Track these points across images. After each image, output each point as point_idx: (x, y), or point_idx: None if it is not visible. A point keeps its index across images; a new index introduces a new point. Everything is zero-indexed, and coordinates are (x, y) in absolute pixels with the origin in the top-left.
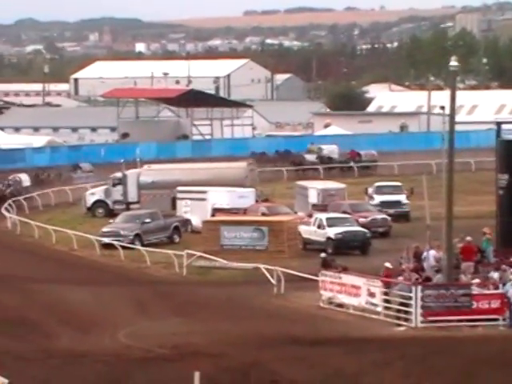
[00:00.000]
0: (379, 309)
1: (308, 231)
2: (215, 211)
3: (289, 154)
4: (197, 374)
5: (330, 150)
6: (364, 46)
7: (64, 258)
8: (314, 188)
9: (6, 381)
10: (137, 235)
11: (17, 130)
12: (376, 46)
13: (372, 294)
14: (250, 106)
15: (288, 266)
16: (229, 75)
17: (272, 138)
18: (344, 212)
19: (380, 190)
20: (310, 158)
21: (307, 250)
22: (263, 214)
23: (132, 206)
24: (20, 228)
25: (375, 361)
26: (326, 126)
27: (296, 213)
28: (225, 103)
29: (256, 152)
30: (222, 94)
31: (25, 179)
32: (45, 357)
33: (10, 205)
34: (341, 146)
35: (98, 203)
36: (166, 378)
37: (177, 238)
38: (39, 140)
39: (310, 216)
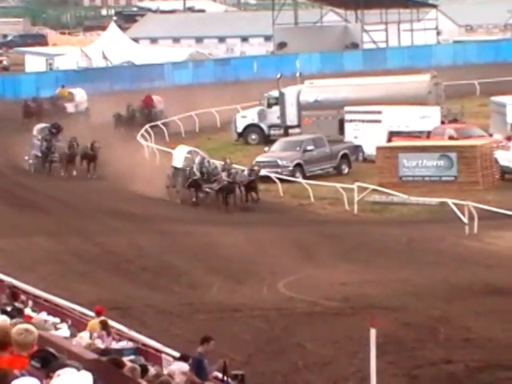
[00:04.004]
0: None
1: (507, 157)
2: (392, 135)
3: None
4: (373, 332)
5: (80, 95)
6: None
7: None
8: None
9: None
10: (298, 165)
11: (154, 41)
12: None
13: None
14: (434, 6)
15: (482, 201)
16: None
17: (461, 44)
18: None
19: None
20: (71, 108)
21: (506, 180)
22: (451, 138)
23: (291, 131)
24: (159, 158)
25: None
26: None
27: (491, 135)
28: (402, 3)
29: None
30: None
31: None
32: (191, 311)
33: (147, 131)
34: None
35: (251, 128)
36: (336, 336)
37: (345, 169)
38: (180, 53)
39: (509, 139)
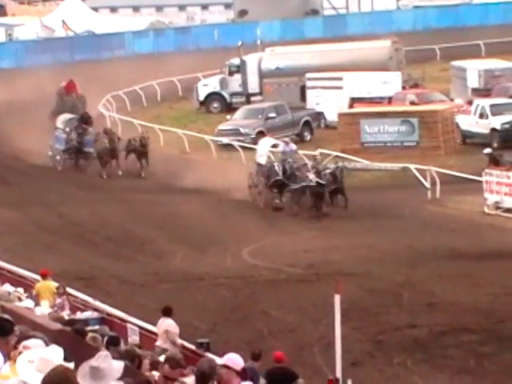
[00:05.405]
0: None
1: (468, 122)
2: (353, 101)
3: None
4: (337, 298)
5: None
6: None
7: (175, 163)
8: (475, 68)
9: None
10: (260, 133)
11: (113, 10)
12: None
13: None
14: None
15: (444, 165)
16: None
17: (421, 9)
18: None
19: None
20: None
21: (467, 144)
22: (412, 103)
23: (253, 99)
24: (121, 127)
25: None
26: None
27: (452, 100)
28: None
29: None
30: None
31: None
32: (156, 281)
33: (108, 101)
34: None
35: (213, 96)
36: (301, 303)
37: (308, 136)
38: (140, 22)
39: (470, 103)
